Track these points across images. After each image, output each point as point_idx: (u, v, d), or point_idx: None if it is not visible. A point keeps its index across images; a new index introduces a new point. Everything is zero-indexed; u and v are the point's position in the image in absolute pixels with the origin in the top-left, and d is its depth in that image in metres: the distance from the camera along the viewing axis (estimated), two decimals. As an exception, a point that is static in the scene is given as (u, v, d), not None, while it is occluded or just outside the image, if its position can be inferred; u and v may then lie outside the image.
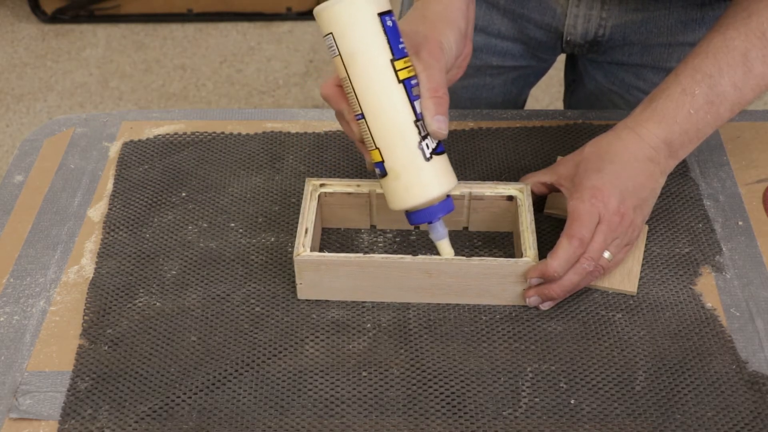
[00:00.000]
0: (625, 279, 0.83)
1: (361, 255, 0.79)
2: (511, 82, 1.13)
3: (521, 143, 0.99)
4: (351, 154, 0.97)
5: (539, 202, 0.90)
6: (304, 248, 0.80)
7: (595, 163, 0.80)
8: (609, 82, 1.10)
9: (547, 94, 2.36)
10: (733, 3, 0.82)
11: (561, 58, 1.17)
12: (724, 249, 0.87)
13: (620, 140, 0.81)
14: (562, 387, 0.75)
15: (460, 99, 1.13)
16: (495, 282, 0.80)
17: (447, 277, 0.80)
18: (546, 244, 0.87)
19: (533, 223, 0.82)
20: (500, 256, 0.85)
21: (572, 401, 0.74)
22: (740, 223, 0.89)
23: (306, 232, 0.81)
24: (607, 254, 0.79)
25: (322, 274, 0.80)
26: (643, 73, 1.06)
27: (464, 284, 0.80)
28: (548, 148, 0.98)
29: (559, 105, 2.29)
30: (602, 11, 0.99)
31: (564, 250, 0.77)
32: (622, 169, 0.79)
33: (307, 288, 0.81)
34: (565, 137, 0.99)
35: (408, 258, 0.79)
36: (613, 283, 0.83)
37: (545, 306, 0.80)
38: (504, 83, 1.12)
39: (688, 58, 0.81)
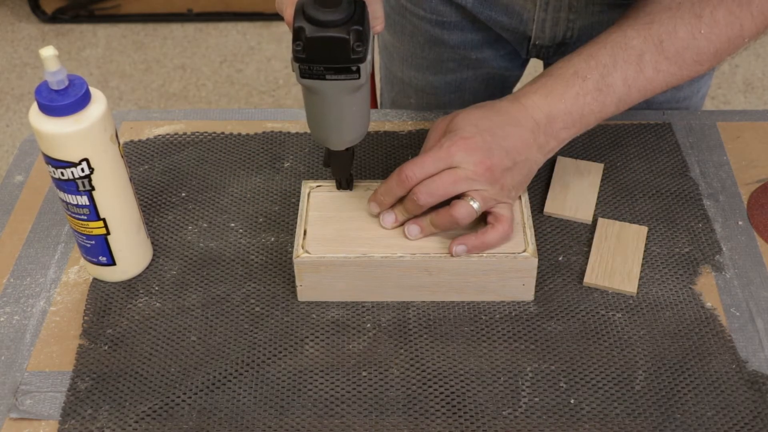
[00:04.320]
0: (625, 279, 0.83)
1: (360, 255, 0.79)
2: (493, 76, 1.13)
3: (521, 143, 0.98)
4: (351, 154, 0.97)
5: (539, 203, 0.90)
6: (303, 250, 0.80)
7: (473, 117, 0.80)
8: None
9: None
10: (636, 5, 0.83)
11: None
12: (724, 249, 0.87)
13: (503, 105, 0.81)
14: (562, 387, 0.75)
15: (444, 93, 1.14)
16: (494, 278, 0.80)
17: (446, 274, 0.80)
18: (546, 244, 0.87)
19: (531, 218, 0.82)
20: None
21: (572, 401, 0.74)
22: (740, 223, 0.89)
23: (305, 233, 0.81)
24: (474, 204, 0.78)
25: (321, 275, 0.80)
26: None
27: (464, 281, 0.80)
28: (548, 148, 0.98)
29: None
30: (570, 14, 0.99)
31: (386, 181, 0.80)
32: (498, 128, 0.79)
33: (307, 290, 0.81)
34: (565, 137, 0.99)
35: (407, 256, 0.79)
36: (614, 283, 0.83)
37: (412, 233, 0.81)
38: (486, 76, 1.12)
39: (585, 46, 0.82)
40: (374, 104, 1.39)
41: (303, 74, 0.72)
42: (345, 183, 0.85)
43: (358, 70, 0.72)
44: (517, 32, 1.03)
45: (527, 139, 0.79)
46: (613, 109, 0.81)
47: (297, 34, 0.70)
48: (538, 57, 1.08)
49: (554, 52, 1.05)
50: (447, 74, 1.12)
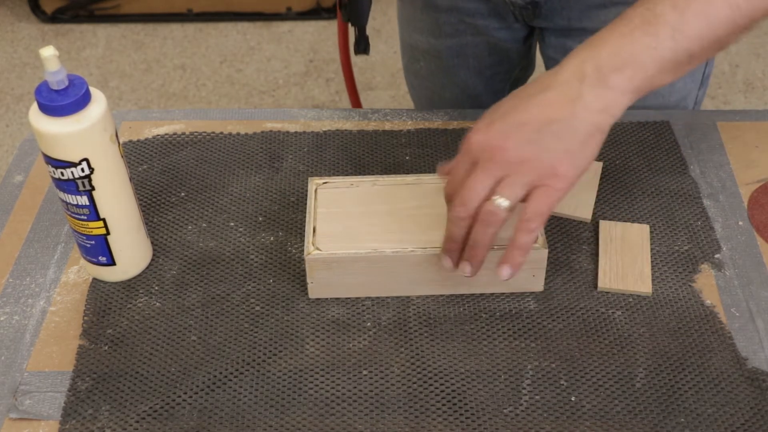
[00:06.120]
0: (638, 280, 0.83)
1: (371, 250, 0.79)
2: (495, 45, 1.13)
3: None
4: (350, 153, 0.97)
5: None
6: (314, 247, 0.80)
7: (493, 108, 0.74)
8: (562, 56, 1.09)
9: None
10: None
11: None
12: (723, 248, 0.87)
13: (536, 79, 0.74)
14: (563, 384, 0.75)
15: (448, 57, 1.15)
16: None
17: None
18: (549, 242, 0.87)
19: None
20: None
21: (573, 399, 0.74)
22: (740, 222, 0.89)
23: (314, 231, 0.81)
24: (501, 200, 0.70)
25: (333, 272, 0.80)
26: (588, 38, 1.04)
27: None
28: (548, 147, 0.98)
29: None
30: None
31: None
32: (516, 105, 0.72)
33: (318, 287, 0.81)
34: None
35: (418, 251, 0.79)
36: (628, 286, 0.82)
37: (466, 270, 0.75)
38: (487, 43, 1.13)
39: None
40: (358, 104, 1.40)
41: None
42: (363, 41, 0.78)
43: None
44: None
45: (553, 100, 0.71)
46: (670, 43, 0.70)
47: None
48: (524, 22, 1.08)
49: (532, 14, 1.06)
50: (446, 38, 1.13)
